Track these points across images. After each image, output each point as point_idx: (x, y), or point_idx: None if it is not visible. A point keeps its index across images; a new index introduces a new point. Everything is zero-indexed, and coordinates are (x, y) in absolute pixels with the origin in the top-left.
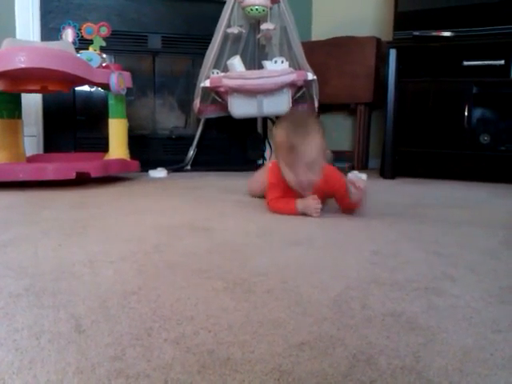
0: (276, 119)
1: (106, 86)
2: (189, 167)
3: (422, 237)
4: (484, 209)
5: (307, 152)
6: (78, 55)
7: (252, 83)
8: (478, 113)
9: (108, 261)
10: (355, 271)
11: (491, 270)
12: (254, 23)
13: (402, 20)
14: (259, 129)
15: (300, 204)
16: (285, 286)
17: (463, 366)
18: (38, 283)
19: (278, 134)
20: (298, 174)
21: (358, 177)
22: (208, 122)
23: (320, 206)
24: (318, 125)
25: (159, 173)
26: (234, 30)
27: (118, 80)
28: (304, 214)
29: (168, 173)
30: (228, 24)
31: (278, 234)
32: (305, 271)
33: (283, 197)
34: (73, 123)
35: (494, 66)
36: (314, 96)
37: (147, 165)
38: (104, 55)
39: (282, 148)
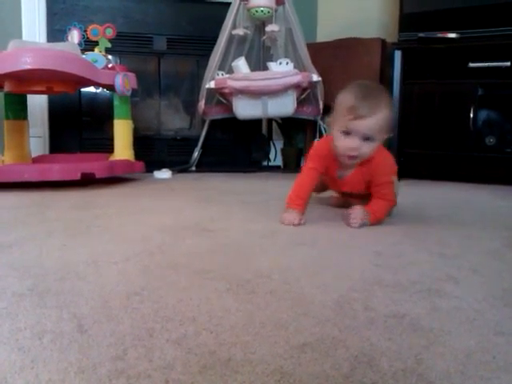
0: (281, 120)
1: (111, 87)
2: (193, 168)
3: (425, 238)
4: (488, 210)
5: (370, 123)
6: (84, 56)
7: (257, 85)
8: (483, 114)
9: (112, 261)
10: (358, 272)
11: (495, 272)
12: (259, 25)
13: (407, 21)
14: (264, 130)
15: (286, 212)
16: (287, 287)
17: (465, 368)
18: (41, 283)
19: (345, 96)
20: (351, 142)
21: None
22: (213, 123)
23: (295, 223)
24: (388, 99)
25: (164, 174)
26: (239, 31)
27: (123, 81)
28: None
29: (173, 174)
30: (233, 25)
31: (281, 234)
32: (308, 272)
33: (320, 172)
34: (78, 124)
35: (500, 67)
36: (319, 97)
37: (152, 166)
38: (109, 56)
39: (344, 111)
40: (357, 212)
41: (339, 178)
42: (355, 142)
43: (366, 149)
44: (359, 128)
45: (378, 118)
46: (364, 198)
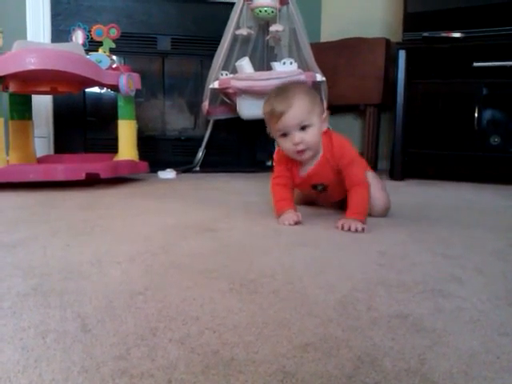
0: None
1: (115, 88)
2: (198, 168)
3: (429, 238)
4: (493, 211)
5: (293, 114)
6: (88, 57)
7: (261, 84)
8: (488, 114)
9: (115, 261)
10: (362, 272)
11: (499, 272)
12: (263, 25)
13: (411, 21)
14: (268, 130)
15: (280, 214)
16: (291, 287)
17: (469, 368)
18: (45, 283)
19: (264, 104)
20: (291, 139)
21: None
22: (217, 123)
23: (289, 223)
24: (304, 88)
25: (168, 174)
26: (243, 31)
27: (128, 81)
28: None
29: (177, 174)
30: (237, 25)
31: (284, 235)
32: (311, 272)
33: (286, 176)
34: (83, 124)
35: (505, 67)
36: (323, 97)
37: (156, 166)
38: (113, 57)
39: (269, 119)
40: (345, 221)
41: (304, 172)
42: (294, 137)
43: (309, 137)
44: (287, 123)
45: (297, 106)
46: (341, 197)
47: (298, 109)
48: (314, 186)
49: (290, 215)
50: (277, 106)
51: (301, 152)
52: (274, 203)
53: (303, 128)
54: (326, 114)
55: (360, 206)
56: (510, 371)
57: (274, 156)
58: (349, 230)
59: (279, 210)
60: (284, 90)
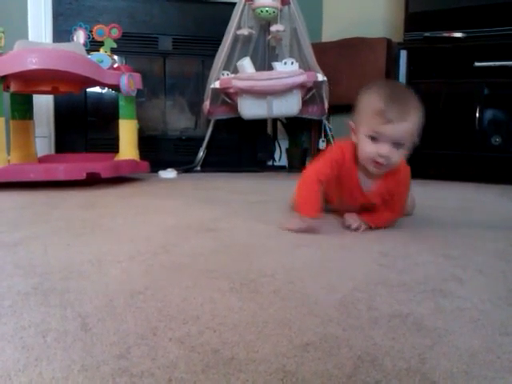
0: (286, 120)
1: (116, 88)
2: (199, 168)
3: (430, 238)
4: (494, 211)
5: (402, 129)
6: (89, 57)
7: (262, 84)
8: (489, 114)
9: (116, 260)
10: (363, 272)
11: (500, 273)
12: (264, 25)
13: (412, 21)
14: (269, 130)
15: (295, 219)
16: (291, 287)
17: (469, 368)
18: (46, 282)
19: (372, 97)
20: (381, 148)
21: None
22: (218, 123)
23: (291, 227)
24: (418, 103)
25: (169, 173)
26: (244, 31)
27: (129, 81)
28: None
29: (178, 173)
30: (238, 25)
31: (285, 234)
32: (312, 272)
33: (327, 181)
34: (84, 124)
35: (506, 66)
36: (324, 97)
37: (157, 165)
38: (115, 57)
39: (372, 114)
40: (352, 216)
41: (364, 190)
42: (385, 148)
43: (396, 157)
44: (390, 133)
45: (409, 123)
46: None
47: (409, 126)
48: (364, 205)
49: (297, 223)
50: (391, 111)
51: (379, 164)
52: (298, 198)
53: (397, 144)
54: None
55: (381, 221)
56: (511, 371)
57: (335, 152)
58: (349, 227)
59: (298, 204)
60: (402, 97)
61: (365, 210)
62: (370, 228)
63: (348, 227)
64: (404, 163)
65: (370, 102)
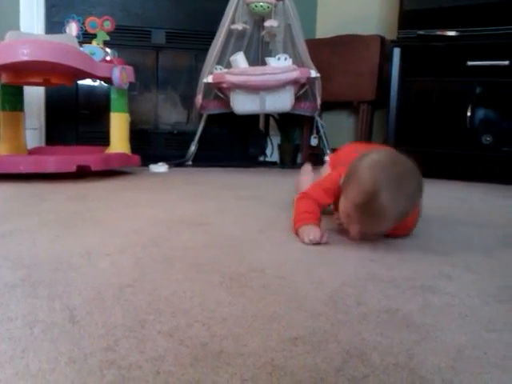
0: (278, 116)
1: (108, 80)
2: (190, 163)
3: (420, 235)
4: (484, 209)
5: (378, 226)
6: (81, 49)
7: (255, 80)
8: (480, 113)
9: (105, 253)
10: (352, 268)
11: (488, 270)
12: (259, 20)
13: (406, 19)
14: (261, 125)
15: (303, 227)
16: (281, 282)
17: (456, 364)
18: (34, 274)
19: (368, 178)
20: (352, 230)
21: None
22: (210, 117)
23: (313, 240)
24: (418, 198)
25: (160, 167)
26: (238, 26)
27: (121, 74)
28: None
29: (169, 168)
30: (232, 20)
31: (276, 230)
32: (302, 267)
33: (325, 201)
34: (75, 117)
35: (498, 66)
36: (317, 94)
37: (148, 159)
38: (107, 49)
39: (350, 200)
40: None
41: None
42: (356, 232)
43: (370, 236)
44: (360, 227)
45: (383, 224)
46: None
47: (389, 223)
48: None
49: (315, 230)
50: (363, 219)
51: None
52: (296, 214)
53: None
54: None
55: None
56: (497, 367)
57: (326, 182)
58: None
59: (300, 222)
60: (401, 190)
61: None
62: None
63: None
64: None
65: (354, 189)
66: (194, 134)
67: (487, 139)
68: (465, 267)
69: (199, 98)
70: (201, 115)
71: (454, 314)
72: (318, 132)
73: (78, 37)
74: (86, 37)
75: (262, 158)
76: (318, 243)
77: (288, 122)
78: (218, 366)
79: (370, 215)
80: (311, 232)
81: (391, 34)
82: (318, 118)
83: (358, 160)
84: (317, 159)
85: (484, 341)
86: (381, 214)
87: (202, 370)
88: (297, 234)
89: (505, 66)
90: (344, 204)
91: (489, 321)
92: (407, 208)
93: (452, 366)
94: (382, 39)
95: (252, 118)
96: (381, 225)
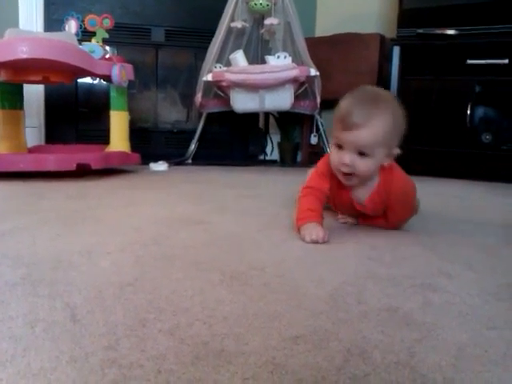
0: (278, 115)
1: (107, 78)
2: (190, 161)
3: (419, 233)
4: (484, 207)
5: (363, 135)
6: (81, 47)
7: (254, 78)
8: (480, 112)
9: (105, 252)
10: (352, 266)
11: (489, 268)
12: (258, 18)
13: (406, 17)
14: (261, 124)
15: (306, 225)
16: (282, 280)
17: (457, 362)
18: (34, 272)
19: (342, 102)
20: (341, 156)
21: None
22: (210, 116)
23: (315, 239)
24: (392, 109)
25: (160, 166)
26: (238, 24)
27: (120, 72)
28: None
29: (169, 166)
30: (232, 18)
31: (276, 228)
32: (302, 265)
33: (323, 191)
34: (75, 115)
35: (498, 64)
36: (317, 92)
37: (148, 158)
38: (107, 47)
39: (336, 121)
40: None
41: (358, 202)
42: (346, 156)
43: (363, 166)
44: (351, 140)
45: (373, 128)
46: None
47: (372, 132)
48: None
49: (317, 229)
50: (352, 117)
51: (346, 175)
52: (299, 212)
53: (362, 153)
54: (396, 151)
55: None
56: (498, 364)
57: (319, 164)
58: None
59: (303, 220)
60: (371, 101)
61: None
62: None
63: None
64: (400, 178)
65: (338, 108)
66: (194, 132)
67: (487, 138)
68: (465, 265)
69: (199, 97)
70: (200, 114)
71: (454, 312)
72: (317, 130)
73: (77, 34)
74: (85, 34)
75: (261, 157)
76: (317, 242)
77: (288, 121)
78: (219, 365)
79: (360, 105)
80: (313, 231)
81: (391, 32)
82: (317, 117)
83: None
84: (317, 158)
85: (485, 339)
86: (376, 101)
87: (203, 368)
88: (298, 230)
89: (504, 65)
90: (333, 136)
91: (489, 319)
92: (396, 114)
93: (453, 364)
94: (382, 38)
95: (252, 117)
96: (374, 130)
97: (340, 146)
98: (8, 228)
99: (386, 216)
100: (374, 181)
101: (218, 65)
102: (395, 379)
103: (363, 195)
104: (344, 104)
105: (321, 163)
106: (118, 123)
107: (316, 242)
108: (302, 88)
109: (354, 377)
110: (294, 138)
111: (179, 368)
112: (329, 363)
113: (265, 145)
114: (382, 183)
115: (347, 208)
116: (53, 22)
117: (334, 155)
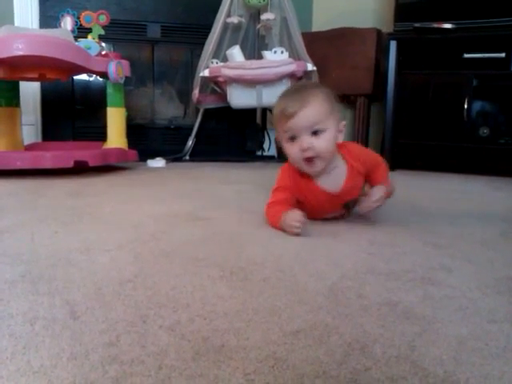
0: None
1: (104, 75)
2: (187, 157)
3: (418, 228)
4: (482, 201)
5: (307, 114)
6: (77, 43)
7: (251, 73)
8: (477, 105)
9: (104, 248)
10: (352, 261)
11: (488, 261)
12: (254, 13)
13: (402, 11)
14: (258, 119)
15: (282, 217)
16: (281, 275)
17: (458, 355)
18: (33, 270)
19: (276, 103)
20: (299, 144)
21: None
22: (207, 112)
23: (299, 223)
24: (323, 88)
25: (157, 162)
26: (234, 19)
27: (117, 68)
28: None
29: (166, 163)
30: (228, 13)
31: None
32: (301, 260)
33: (288, 197)
34: (71, 112)
35: (495, 58)
36: None
37: (145, 154)
38: (103, 44)
39: (278, 120)
40: (379, 191)
41: (336, 188)
42: (303, 141)
43: (322, 142)
44: (298, 124)
45: (312, 107)
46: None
47: (313, 109)
48: (346, 204)
49: (291, 215)
50: (289, 105)
51: (310, 161)
52: (270, 219)
53: (315, 133)
54: (343, 123)
55: (385, 178)
56: (498, 357)
57: (277, 181)
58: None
59: (277, 220)
60: (300, 89)
61: (347, 206)
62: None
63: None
64: (351, 146)
65: (275, 108)
66: (191, 128)
67: (484, 132)
68: (464, 259)
69: (196, 93)
70: (197, 110)
71: (454, 305)
72: None
73: (73, 31)
74: (81, 31)
75: (259, 153)
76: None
77: None
78: (219, 360)
79: (298, 100)
80: (291, 220)
81: (387, 26)
82: None
83: None
84: None
85: (485, 332)
86: (305, 88)
87: (204, 364)
88: (284, 230)
89: (501, 59)
90: (281, 135)
91: (489, 312)
92: (325, 90)
93: (453, 357)
94: (379, 32)
95: (249, 112)
96: (315, 109)
97: (292, 138)
98: (6, 226)
99: (373, 181)
100: (338, 166)
101: (215, 60)
102: (396, 373)
103: (336, 182)
104: (278, 101)
105: (279, 179)
106: (115, 120)
107: (299, 228)
108: None
109: (354, 371)
110: None
111: (180, 364)
112: (329, 358)
113: (262, 140)
114: (349, 161)
115: (325, 205)
116: (48, 18)
117: (290, 149)
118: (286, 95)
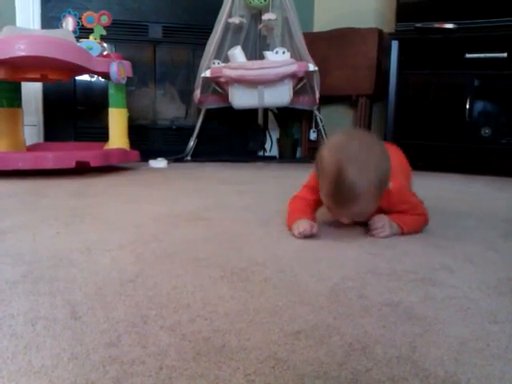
0: (277, 110)
1: (106, 75)
2: (189, 158)
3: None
4: (484, 201)
5: (352, 211)
6: (78, 44)
7: (253, 74)
8: (479, 106)
9: (106, 249)
10: (353, 261)
11: (489, 262)
12: (256, 13)
13: (404, 11)
14: (260, 120)
15: (293, 226)
16: (282, 275)
17: (459, 356)
18: (35, 270)
19: (330, 163)
20: (340, 218)
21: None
22: (208, 112)
23: (307, 231)
24: (373, 178)
25: (159, 163)
26: (236, 20)
27: (119, 69)
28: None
29: (168, 163)
30: (229, 14)
31: (276, 224)
32: (302, 261)
33: (313, 201)
34: (73, 113)
35: (497, 58)
36: (315, 87)
37: (147, 155)
38: (104, 44)
39: (323, 192)
40: (381, 220)
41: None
42: (343, 219)
43: (362, 218)
44: (344, 213)
45: (362, 201)
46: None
47: (364, 203)
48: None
49: (303, 222)
50: (337, 200)
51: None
52: (288, 215)
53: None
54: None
55: (410, 223)
56: (500, 358)
57: (310, 178)
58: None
59: (292, 219)
60: (350, 184)
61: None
62: (402, 232)
63: (373, 230)
64: (394, 181)
65: (323, 179)
66: (193, 129)
67: (486, 132)
68: (465, 259)
69: (197, 93)
70: (199, 110)
71: (455, 306)
72: (316, 126)
73: (74, 32)
74: (82, 32)
75: (261, 153)
76: (310, 236)
77: (287, 116)
78: (220, 361)
79: (346, 200)
80: (300, 225)
81: (389, 27)
82: (316, 112)
83: (320, 149)
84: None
85: (486, 333)
86: (355, 193)
87: (205, 364)
88: (290, 230)
89: (503, 59)
90: (324, 201)
91: (491, 313)
92: (380, 177)
93: (455, 358)
94: (380, 32)
95: (251, 113)
96: (362, 205)
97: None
98: (8, 226)
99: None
100: None
101: (216, 61)
102: (397, 374)
103: None
104: (328, 180)
105: (310, 177)
106: (117, 120)
107: (305, 236)
108: (301, 83)
109: (355, 372)
110: (293, 133)
111: (181, 364)
112: (330, 358)
113: (264, 141)
114: (380, 202)
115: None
116: (50, 19)
117: (329, 210)
118: (346, 158)
